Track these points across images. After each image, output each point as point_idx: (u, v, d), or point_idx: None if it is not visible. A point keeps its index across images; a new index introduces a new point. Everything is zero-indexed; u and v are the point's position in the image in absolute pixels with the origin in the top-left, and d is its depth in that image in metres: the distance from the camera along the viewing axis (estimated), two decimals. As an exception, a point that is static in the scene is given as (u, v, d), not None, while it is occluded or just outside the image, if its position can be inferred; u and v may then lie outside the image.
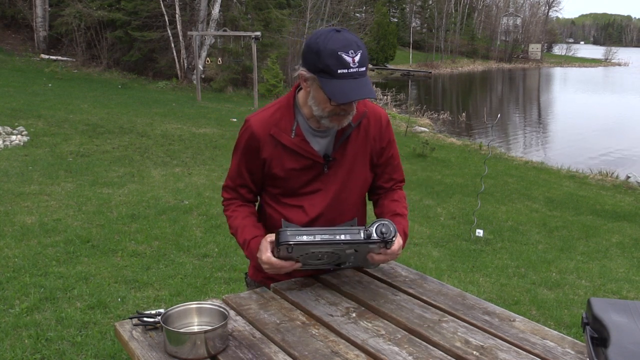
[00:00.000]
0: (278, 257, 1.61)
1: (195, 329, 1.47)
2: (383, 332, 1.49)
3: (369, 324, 1.53)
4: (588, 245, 5.75)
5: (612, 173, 10.66)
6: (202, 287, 3.89)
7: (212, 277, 4.05)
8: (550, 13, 70.50)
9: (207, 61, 18.73)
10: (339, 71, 1.52)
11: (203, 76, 18.71)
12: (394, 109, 19.23)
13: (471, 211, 6.24)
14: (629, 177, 10.07)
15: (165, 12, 18.52)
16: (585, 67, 61.61)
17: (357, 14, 35.40)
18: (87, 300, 3.52)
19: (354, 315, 1.58)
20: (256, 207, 1.90)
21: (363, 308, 1.63)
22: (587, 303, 1.46)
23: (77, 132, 9.07)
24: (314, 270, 1.81)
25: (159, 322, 1.46)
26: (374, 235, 1.56)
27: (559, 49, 79.66)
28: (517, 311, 2.95)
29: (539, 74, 48.69)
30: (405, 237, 1.74)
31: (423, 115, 18.53)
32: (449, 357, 1.38)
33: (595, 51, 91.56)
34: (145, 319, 1.49)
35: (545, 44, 68.86)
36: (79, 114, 10.65)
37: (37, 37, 20.29)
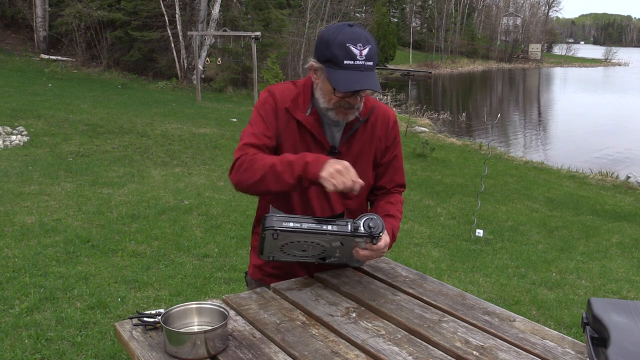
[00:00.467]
0: (264, 244, 1.59)
1: (195, 329, 1.47)
2: (383, 332, 1.49)
3: (369, 324, 1.53)
4: (588, 245, 5.75)
5: (612, 173, 10.66)
6: (202, 287, 3.88)
7: (212, 277, 4.05)
8: (550, 13, 70.51)
9: (207, 61, 18.73)
10: (346, 62, 1.55)
11: (203, 76, 18.71)
12: (394, 109, 19.18)
13: (471, 211, 6.24)
14: (629, 177, 10.07)
15: (165, 12, 18.53)
16: (585, 67, 61.61)
17: (357, 14, 35.41)
18: (87, 300, 3.52)
19: (354, 315, 1.58)
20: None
21: (363, 308, 1.63)
22: (587, 303, 1.46)
23: (77, 132, 9.07)
24: (304, 264, 1.79)
25: (159, 322, 1.46)
26: (362, 228, 1.56)
27: (559, 49, 79.66)
28: (517, 311, 2.95)
29: (539, 74, 48.68)
30: (393, 238, 1.73)
31: (423, 115, 18.53)
32: (449, 357, 1.38)
33: (595, 51, 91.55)
34: (145, 319, 1.49)
35: (545, 44, 68.85)
36: (79, 114, 10.65)
37: (37, 37, 20.30)
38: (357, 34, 1.57)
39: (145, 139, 9.06)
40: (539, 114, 24.68)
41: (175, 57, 19.15)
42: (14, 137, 8.18)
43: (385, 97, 21.66)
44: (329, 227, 1.54)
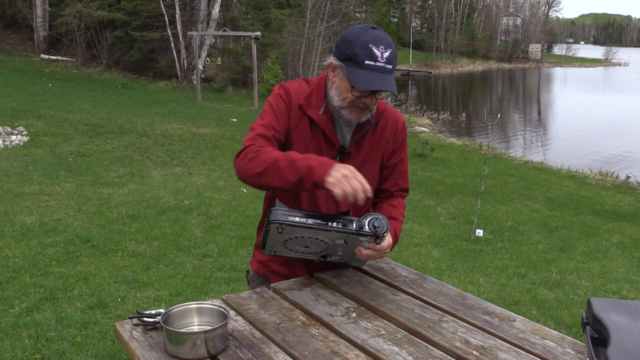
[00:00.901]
0: (267, 238, 1.59)
1: (195, 329, 1.47)
2: (383, 332, 1.49)
3: (369, 324, 1.53)
4: (588, 245, 5.75)
5: (612, 173, 10.66)
6: (202, 287, 3.88)
7: (212, 277, 4.05)
8: (550, 13, 70.52)
9: (207, 61, 18.73)
10: (367, 62, 1.57)
11: (203, 76, 18.71)
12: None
13: (471, 211, 6.24)
14: (629, 177, 10.07)
15: (165, 12, 18.53)
16: (585, 67, 61.62)
17: (357, 14, 35.38)
18: (87, 300, 3.52)
19: (354, 315, 1.58)
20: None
21: (363, 308, 1.63)
22: (587, 303, 1.46)
23: (77, 132, 9.07)
24: (307, 262, 1.79)
25: (159, 322, 1.46)
26: (366, 227, 1.56)
27: (559, 49, 79.68)
28: (517, 311, 2.95)
29: (539, 74, 48.69)
30: (395, 240, 1.73)
31: (423, 115, 18.53)
32: (449, 357, 1.38)
33: (595, 51, 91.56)
34: (145, 319, 1.49)
35: (545, 44, 68.86)
36: (79, 114, 10.65)
37: (37, 37, 20.30)
38: (380, 36, 1.59)
39: (145, 139, 9.06)
40: (539, 114, 24.69)
41: (175, 57, 19.15)
42: (14, 137, 8.18)
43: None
44: (334, 225, 1.54)
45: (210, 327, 1.39)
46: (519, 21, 64.04)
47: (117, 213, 5.32)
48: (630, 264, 5.24)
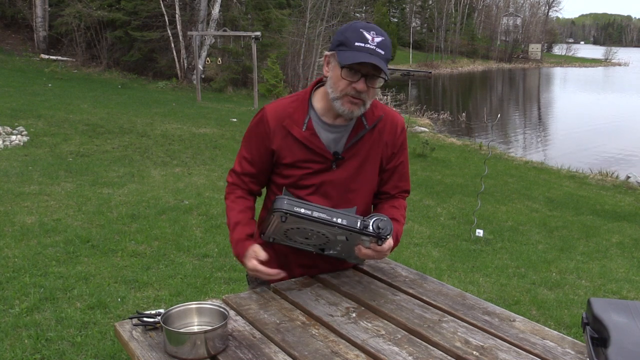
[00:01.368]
0: (269, 225, 1.62)
1: (195, 329, 1.47)
2: (383, 332, 1.49)
3: (369, 324, 1.53)
4: (588, 245, 5.75)
5: (612, 173, 10.66)
6: (202, 287, 3.88)
7: (212, 277, 4.05)
8: (550, 13, 70.54)
9: (207, 61, 18.73)
10: (357, 44, 1.57)
11: (203, 76, 18.71)
12: (394, 109, 19.22)
13: (471, 211, 6.24)
14: (629, 177, 10.07)
15: (165, 12, 18.52)
16: (585, 67, 61.62)
17: (357, 14, 35.38)
18: (87, 300, 3.52)
19: (354, 315, 1.58)
20: (254, 201, 1.89)
21: (363, 308, 1.63)
22: (587, 303, 1.46)
23: (77, 132, 9.07)
24: (302, 263, 1.82)
25: (159, 322, 1.46)
26: (370, 227, 1.55)
27: (559, 49, 79.67)
28: (517, 311, 2.95)
29: (539, 74, 48.69)
30: (396, 242, 1.73)
31: (423, 115, 18.53)
32: (449, 357, 1.38)
33: (595, 51, 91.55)
34: (145, 319, 1.49)
35: (545, 44, 68.86)
36: (79, 114, 10.65)
37: (37, 37, 20.29)
38: (372, 26, 1.62)
39: (145, 139, 9.06)
40: (539, 113, 24.69)
41: (175, 57, 19.15)
42: (14, 137, 8.18)
43: (385, 97, 21.66)
44: (339, 221, 1.54)
45: (210, 327, 1.39)
46: (519, 21, 64.04)
47: (117, 213, 5.32)
48: (630, 264, 5.24)
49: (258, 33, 15.08)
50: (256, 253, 1.68)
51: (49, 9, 20.24)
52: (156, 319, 1.48)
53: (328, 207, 1.58)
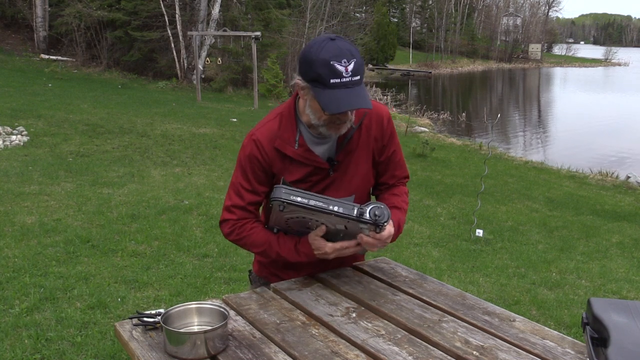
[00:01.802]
0: (271, 214, 1.63)
1: (195, 329, 1.47)
2: (383, 332, 1.49)
3: (369, 324, 1.53)
4: (588, 245, 5.75)
5: (612, 173, 10.66)
6: (202, 287, 3.88)
7: (212, 277, 4.05)
8: (550, 13, 70.49)
9: (207, 61, 18.73)
10: (332, 81, 1.51)
11: (203, 76, 18.71)
12: (394, 109, 19.24)
13: (471, 211, 6.24)
14: (629, 177, 10.07)
15: (165, 12, 18.52)
16: (585, 67, 61.60)
17: (357, 14, 35.38)
18: (87, 300, 3.52)
19: (354, 315, 1.58)
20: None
21: (363, 308, 1.63)
22: (587, 303, 1.46)
23: (77, 132, 9.07)
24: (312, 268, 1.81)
25: (159, 322, 1.46)
26: (367, 215, 1.55)
27: (559, 49, 79.62)
28: (517, 311, 2.95)
29: (539, 74, 48.68)
30: (399, 229, 1.73)
31: (423, 115, 18.54)
32: (449, 357, 1.38)
33: (595, 51, 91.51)
34: (145, 319, 1.49)
35: (545, 44, 68.84)
36: (79, 114, 10.65)
37: (37, 37, 20.29)
38: (340, 49, 1.52)
39: (145, 139, 9.06)
40: (539, 114, 24.69)
41: (175, 57, 19.15)
42: (14, 137, 8.18)
43: (385, 97, 21.67)
44: (335, 208, 1.54)
45: (210, 327, 1.39)
46: (519, 21, 64.02)
47: (117, 213, 5.32)
48: (630, 264, 5.24)
49: (258, 33, 15.09)
50: (316, 235, 1.66)
51: (49, 9, 20.24)
52: (156, 319, 1.48)
53: (325, 196, 1.58)
